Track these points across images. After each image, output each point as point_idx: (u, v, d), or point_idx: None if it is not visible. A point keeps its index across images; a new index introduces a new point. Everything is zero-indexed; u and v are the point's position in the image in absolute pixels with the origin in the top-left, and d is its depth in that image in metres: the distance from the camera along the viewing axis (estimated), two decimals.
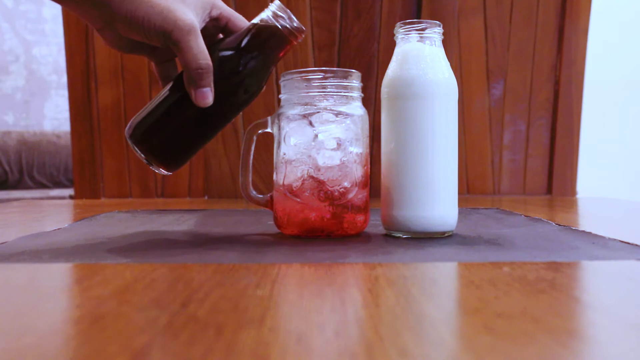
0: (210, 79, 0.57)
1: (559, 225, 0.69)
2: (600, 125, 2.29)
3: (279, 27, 0.58)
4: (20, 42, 3.42)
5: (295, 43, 0.59)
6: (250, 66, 0.58)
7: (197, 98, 0.57)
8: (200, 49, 0.56)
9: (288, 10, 0.59)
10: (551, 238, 0.59)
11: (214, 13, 0.59)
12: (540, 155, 1.31)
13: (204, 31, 0.58)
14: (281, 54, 0.60)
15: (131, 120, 0.60)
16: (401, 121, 0.59)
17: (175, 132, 0.60)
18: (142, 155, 0.60)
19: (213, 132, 0.62)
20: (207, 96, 0.57)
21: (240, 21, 0.60)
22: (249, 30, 0.58)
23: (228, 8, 0.60)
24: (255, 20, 0.59)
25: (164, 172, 0.62)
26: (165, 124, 0.59)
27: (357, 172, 0.59)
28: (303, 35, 0.60)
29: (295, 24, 0.58)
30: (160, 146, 0.60)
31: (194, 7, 0.57)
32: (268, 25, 0.58)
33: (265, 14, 0.59)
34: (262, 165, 1.17)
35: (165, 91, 0.60)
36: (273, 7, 0.59)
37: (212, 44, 0.58)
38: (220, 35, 0.61)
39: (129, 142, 0.60)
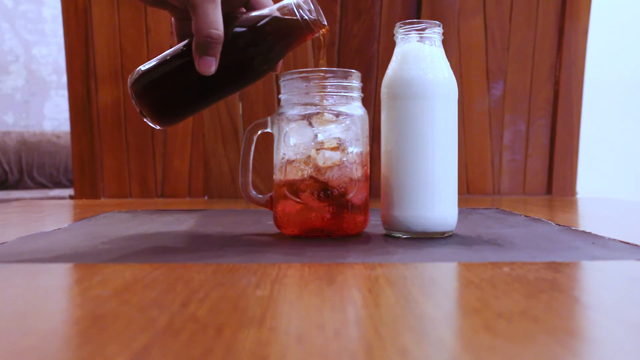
0: (217, 49, 0.56)
1: (559, 225, 0.69)
2: (600, 125, 2.29)
3: (299, 18, 0.57)
4: (20, 42, 3.42)
5: (313, 36, 0.59)
6: (262, 48, 0.58)
7: (200, 65, 0.56)
8: (215, 17, 0.55)
9: (313, 2, 0.58)
10: (551, 238, 0.59)
11: None
12: (540, 155, 1.31)
13: (226, 1, 0.57)
14: (297, 43, 0.60)
15: (137, 69, 0.60)
16: (401, 121, 0.59)
17: (174, 91, 0.60)
18: (138, 106, 0.60)
19: (211, 101, 0.62)
20: (210, 65, 0.56)
21: (266, 2, 0.60)
22: (269, 13, 0.58)
23: None
24: (278, 5, 0.58)
25: (156, 126, 0.62)
26: (166, 82, 0.60)
27: (357, 172, 0.59)
28: (323, 30, 0.59)
29: (315, 17, 0.58)
30: (157, 101, 0.61)
31: None
32: (288, 13, 0.58)
33: (289, 1, 0.58)
34: (262, 165, 1.17)
35: (175, 49, 0.60)
36: None
37: (230, 16, 0.57)
38: (243, 10, 0.60)
39: (129, 90, 0.60)
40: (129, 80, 0.60)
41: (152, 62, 0.60)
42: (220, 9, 0.55)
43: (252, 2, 0.59)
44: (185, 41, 0.59)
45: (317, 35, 0.59)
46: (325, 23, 0.59)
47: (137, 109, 0.60)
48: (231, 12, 0.58)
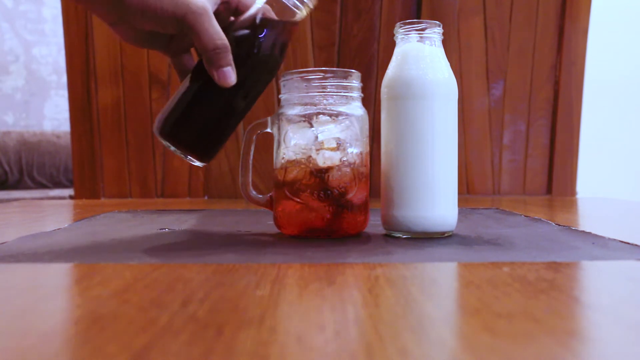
0: (229, 57, 0.57)
1: (559, 225, 0.69)
2: (600, 125, 2.28)
3: (285, 2, 0.59)
4: (20, 42, 3.42)
5: (305, 14, 0.60)
6: (266, 43, 0.59)
7: (219, 78, 0.57)
8: (215, 29, 0.56)
9: None
10: (551, 238, 0.59)
11: None
12: (540, 155, 1.31)
13: (216, 16, 0.58)
14: (295, 27, 0.61)
15: (157, 116, 0.60)
16: (401, 121, 0.59)
17: (203, 119, 0.60)
18: (175, 149, 0.60)
19: (241, 115, 0.62)
20: (230, 75, 0.57)
21: (250, 2, 0.60)
22: (258, 8, 0.59)
23: None
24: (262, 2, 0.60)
25: (201, 163, 0.62)
26: (192, 114, 0.60)
27: (357, 172, 0.59)
28: (312, 6, 0.60)
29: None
30: (191, 137, 0.60)
31: None
32: (274, 1, 0.59)
33: None
34: (262, 165, 1.17)
35: (186, 83, 0.60)
36: None
37: (225, 27, 0.58)
38: (232, 18, 0.61)
39: (160, 138, 0.60)
40: (154, 130, 0.60)
41: (170, 104, 0.60)
42: (215, 21, 0.56)
43: (240, 9, 0.60)
44: (190, 74, 0.60)
45: (311, 9, 0.61)
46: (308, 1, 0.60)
47: (176, 152, 0.61)
48: (223, 24, 0.59)
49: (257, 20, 0.59)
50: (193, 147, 0.61)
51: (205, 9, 0.56)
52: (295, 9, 0.59)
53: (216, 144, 0.62)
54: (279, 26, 0.59)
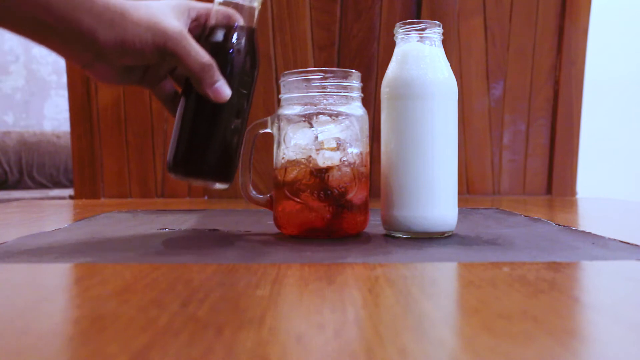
0: (217, 72, 0.57)
1: (559, 225, 0.69)
2: (600, 125, 2.28)
3: (238, 1, 0.60)
4: (20, 42, 3.42)
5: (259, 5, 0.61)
6: (240, 40, 0.60)
7: (215, 96, 0.57)
8: (196, 49, 0.56)
9: None
10: (551, 238, 0.59)
11: (192, 14, 0.59)
12: (540, 155, 1.31)
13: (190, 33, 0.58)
14: (254, 21, 0.61)
15: (168, 157, 0.61)
16: (401, 121, 0.59)
17: (214, 141, 0.60)
18: (198, 181, 0.61)
19: (246, 117, 0.62)
20: (223, 89, 0.57)
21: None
22: (217, 14, 0.60)
23: (202, 4, 0.61)
24: (218, 0, 0.61)
25: (224, 185, 0.63)
26: (201, 141, 0.60)
27: (357, 172, 0.59)
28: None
29: None
30: (209, 164, 0.61)
31: (173, 13, 0.56)
32: (230, 1, 0.60)
33: None
34: (262, 165, 1.17)
35: (181, 113, 0.60)
36: None
37: (200, 43, 0.58)
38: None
39: (176, 177, 0.61)
40: (171, 172, 0.61)
41: (174, 140, 0.60)
42: (193, 40, 0.56)
43: (208, 24, 0.60)
44: (180, 103, 0.60)
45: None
46: None
47: (197, 184, 0.61)
48: (197, 41, 0.59)
49: (221, 24, 0.59)
50: (215, 173, 0.61)
51: (181, 31, 0.55)
52: (244, 2, 0.60)
53: (234, 158, 0.62)
54: (243, 16, 0.60)
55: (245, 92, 0.61)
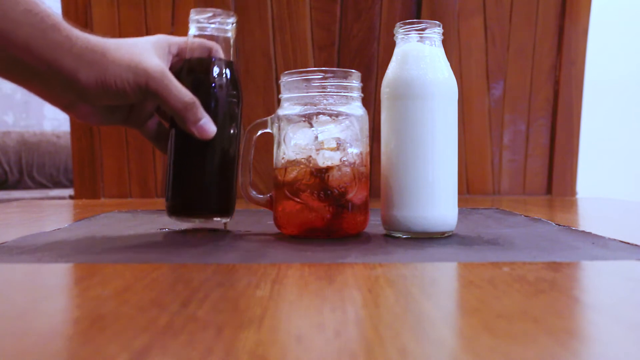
0: (201, 110, 0.57)
1: (559, 225, 0.69)
2: (600, 125, 2.28)
3: (212, 33, 0.61)
4: None
5: (233, 27, 0.62)
6: (221, 76, 0.60)
7: (200, 133, 0.57)
8: (178, 88, 0.56)
9: (209, 10, 0.61)
10: (551, 238, 0.59)
11: (173, 50, 0.59)
12: (540, 155, 1.31)
13: (170, 70, 0.58)
14: (231, 52, 0.62)
15: (166, 203, 0.62)
16: (401, 121, 0.59)
17: (209, 178, 0.61)
18: (200, 220, 0.62)
19: (237, 150, 0.63)
20: (208, 126, 0.57)
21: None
22: (192, 46, 0.60)
23: (182, 39, 0.61)
24: (192, 33, 0.61)
25: (226, 219, 0.64)
26: (196, 181, 0.60)
27: (357, 172, 0.59)
28: (232, 24, 0.62)
29: (219, 22, 0.61)
30: (207, 201, 0.61)
31: (154, 50, 0.56)
32: (204, 35, 0.61)
33: (194, 26, 0.61)
34: (262, 165, 1.17)
35: (171, 155, 0.61)
36: (193, 16, 0.61)
37: (181, 79, 0.58)
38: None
39: (177, 220, 0.62)
40: (171, 216, 0.62)
41: (169, 185, 0.61)
42: (174, 78, 0.56)
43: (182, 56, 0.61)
44: (170, 139, 0.61)
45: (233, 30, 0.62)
46: (230, 20, 0.62)
47: (203, 222, 0.62)
48: (178, 77, 0.59)
49: (198, 57, 0.60)
50: (215, 209, 0.62)
51: (162, 70, 0.55)
52: (219, 33, 0.61)
53: (232, 189, 0.63)
54: (220, 47, 0.61)
55: (232, 122, 0.61)
